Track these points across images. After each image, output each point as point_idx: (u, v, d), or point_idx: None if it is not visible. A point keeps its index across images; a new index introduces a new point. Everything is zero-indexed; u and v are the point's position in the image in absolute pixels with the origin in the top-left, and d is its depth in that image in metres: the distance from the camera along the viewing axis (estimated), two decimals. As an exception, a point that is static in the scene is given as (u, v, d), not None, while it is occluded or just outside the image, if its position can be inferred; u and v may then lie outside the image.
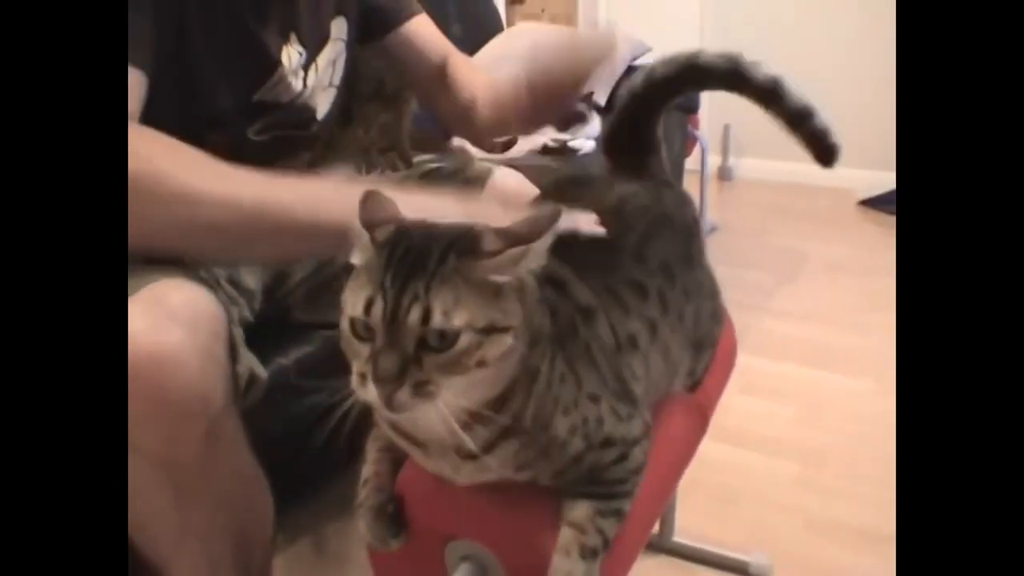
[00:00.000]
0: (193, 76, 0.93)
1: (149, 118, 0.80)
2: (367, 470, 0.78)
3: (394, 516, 0.76)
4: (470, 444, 0.63)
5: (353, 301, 0.59)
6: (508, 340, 0.60)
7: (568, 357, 0.69)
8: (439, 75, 1.14)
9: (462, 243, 0.60)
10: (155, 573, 0.82)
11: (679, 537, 1.39)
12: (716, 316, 0.96)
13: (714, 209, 3.08)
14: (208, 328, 0.76)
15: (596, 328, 0.73)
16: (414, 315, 0.56)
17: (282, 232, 0.78)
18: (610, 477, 0.72)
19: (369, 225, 0.63)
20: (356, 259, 0.63)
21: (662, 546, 1.39)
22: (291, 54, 1.00)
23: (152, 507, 0.77)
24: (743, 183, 3.64)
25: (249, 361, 0.83)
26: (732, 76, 0.86)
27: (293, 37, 1.00)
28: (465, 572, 0.74)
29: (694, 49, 0.88)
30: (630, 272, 0.80)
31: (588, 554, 0.70)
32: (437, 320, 0.56)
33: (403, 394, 0.57)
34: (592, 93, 2.25)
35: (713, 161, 3.60)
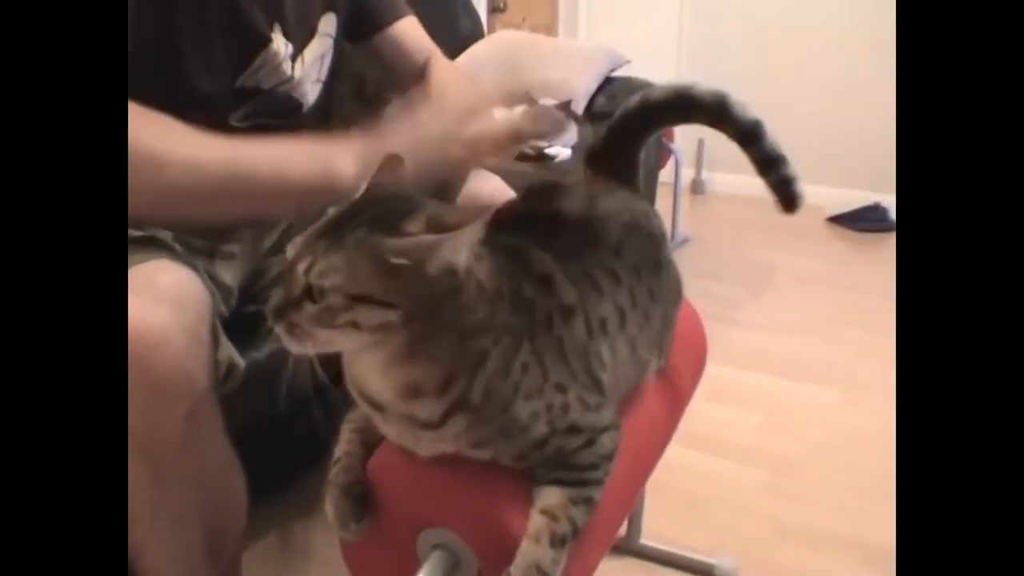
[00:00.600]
0: (177, 56, 0.93)
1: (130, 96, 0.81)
2: (339, 450, 0.79)
3: (360, 499, 0.77)
4: (423, 411, 0.68)
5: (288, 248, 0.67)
6: (389, 316, 0.63)
7: (537, 349, 0.71)
8: (421, 76, 1.15)
9: (387, 219, 0.65)
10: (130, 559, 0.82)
11: (646, 540, 1.40)
12: (670, 323, 0.97)
13: (687, 222, 3.11)
14: (194, 309, 0.78)
15: (573, 325, 0.75)
16: (301, 266, 0.63)
17: (251, 191, 0.81)
18: (579, 462, 0.74)
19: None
20: None
21: (629, 548, 1.40)
22: (277, 41, 1.01)
23: (129, 486, 0.77)
24: (715, 197, 3.68)
25: (228, 349, 0.83)
26: (718, 112, 0.90)
27: (277, 27, 1.01)
28: (437, 560, 0.74)
29: (688, 82, 0.92)
30: (606, 260, 0.82)
31: (558, 542, 0.71)
32: (313, 275, 0.62)
33: (280, 328, 0.64)
34: (570, 102, 2.28)
35: (686, 174, 3.65)
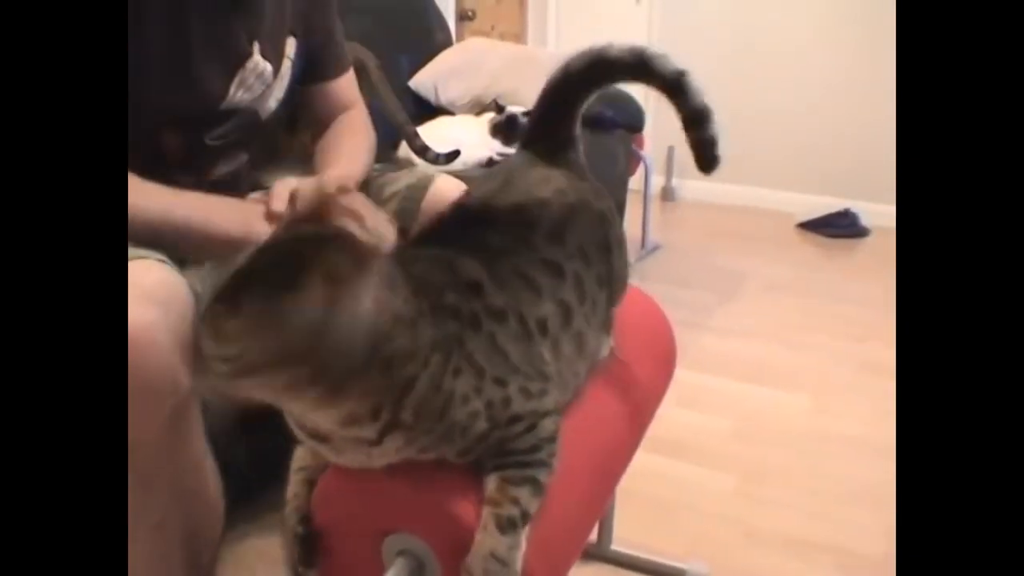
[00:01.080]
0: (164, 78, 0.97)
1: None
2: (288, 493, 0.79)
3: (309, 540, 0.78)
4: (363, 432, 0.68)
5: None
6: (299, 374, 0.63)
7: (468, 352, 0.71)
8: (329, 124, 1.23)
9: (283, 276, 0.62)
10: None
11: (617, 546, 1.39)
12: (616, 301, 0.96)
13: (657, 229, 3.12)
14: (179, 310, 0.78)
15: (506, 324, 0.75)
16: (207, 333, 0.63)
17: (182, 238, 0.91)
18: (519, 447, 0.73)
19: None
20: None
21: (600, 555, 1.39)
22: (256, 57, 1.05)
23: None
24: (686, 204, 3.71)
25: None
26: (639, 68, 0.88)
27: (255, 45, 1.05)
28: (401, 566, 0.72)
29: (604, 44, 0.90)
30: (545, 252, 0.81)
31: (506, 525, 0.70)
32: (210, 347, 0.63)
33: (208, 383, 0.65)
34: (539, 108, 2.27)
35: (657, 182, 3.67)
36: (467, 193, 0.94)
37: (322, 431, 0.70)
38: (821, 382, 2.07)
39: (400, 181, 1.22)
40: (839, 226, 3.20)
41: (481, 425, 0.71)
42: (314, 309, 0.60)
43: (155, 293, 0.77)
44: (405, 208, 1.16)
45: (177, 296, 0.80)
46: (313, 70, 1.20)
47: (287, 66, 1.14)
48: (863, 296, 2.57)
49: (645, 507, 1.51)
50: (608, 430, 0.91)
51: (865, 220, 3.25)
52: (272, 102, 1.13)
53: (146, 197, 0.88)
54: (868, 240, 3.20)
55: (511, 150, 2.12)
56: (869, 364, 2.13)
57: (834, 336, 2.32)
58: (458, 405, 0.69)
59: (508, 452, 0.73)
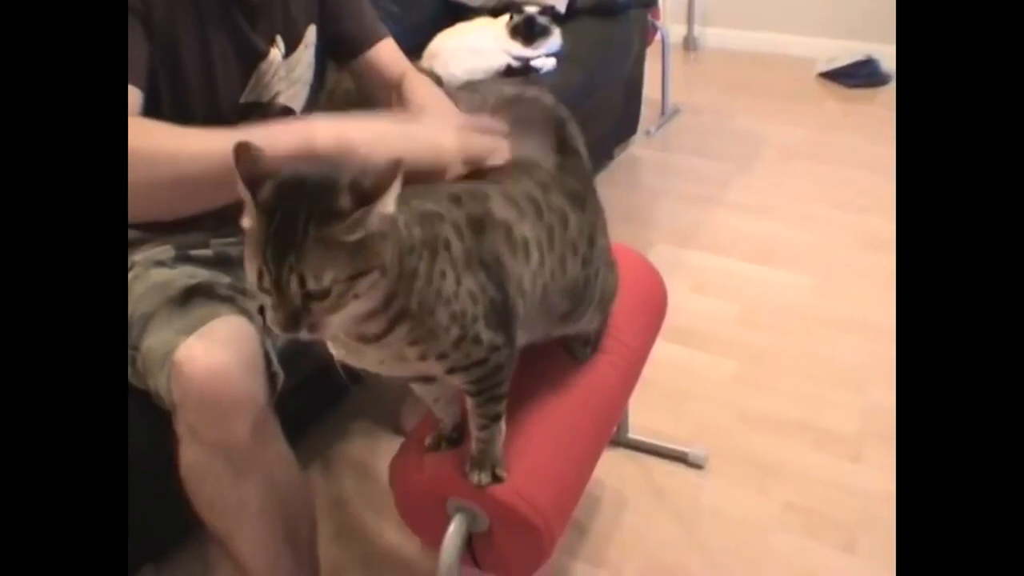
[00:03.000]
0: (185, 80, 1.09)
1: (154, 115, 0.98)
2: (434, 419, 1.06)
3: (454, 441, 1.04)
4: (369, 330, 0.82)
5: (249, 270, 0.75)
6: (375, 276, 0.75)
7: (453, 257, 0.84)
8: (396, 92, 1.28)
9: (320, 209, 0.72)
10: (225, 546, 1.09)
11: (633, 433, 1.65)
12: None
13: (677, 86, 3.15)
14: (248, 348, 1.00)
15: (485, 238, 0.88)
16: (293, 283, 0.72)
17: None
18: (478, 376, 0.91)
19: (250, 182, 0.75)
20: (245, 223, 0.76)
21: (619, 441, 1.65)
22: (274, 56, 1.17)
23: (216, 488, 1.02)
24: (708, 53, 3.71)
25: (275, 366, 1.05)
26: None
27: (273, 42, 1.16)
28: (460, 520, 0.99)
29: None
30: (531, 190, 0.96)
31: (480, 427, 0.95)
32: (310, 283, 0.72)
33: (303, 335, 0.74)
34: (553, 7, 2.33)
35: (678, 31, 3.67)
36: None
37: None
38: (823, 261, 2.22)
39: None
40: (859, 76, 3.22)
41: (455, 331, 0.85)
42: (360, 223, 0.72)
43: (229, 338, 0.98)
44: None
45: (246, 337, 1.00)
46: (348, 47, 1.29)
47: (310, 54, 1.23)
48: (875, 160, 2.64)
49: (657, 395, 1.73)
50: (603, 391, 1.13)
51: (886, 66, 3.25)
52: (301, 89, 1.23)
53: (207, 139, 0.93)
54: (888, 88, 3.23)
55: (530, 52, 2.20)
56: (872, 240, 2.28)
57: (842, 207, 2.44)
58: (442, 306, 0.83)
59: (472, 381, 0.91)
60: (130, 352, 1.03)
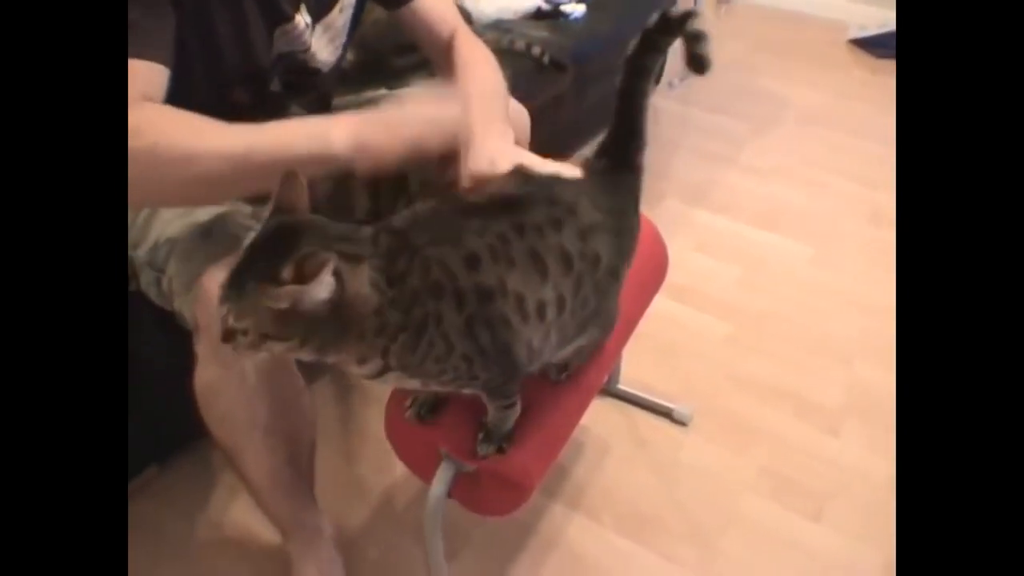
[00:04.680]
0: (219, 41, 1.09)
1: (187, 78, 1.00)
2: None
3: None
4: (362, 373, 0.86)
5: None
6: (292, 344, 0.78)
7: (444, 330, 0.84)
8: (447, 48, 1.26)
9: (266, 268, 0.75)
10: (230, 459, 1.15)
11: (623, 384, 1.71)
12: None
13: (707, 41, 3.12)
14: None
15: (491, 305, 0.85)
16: (224, 309, 0.77)
17: (265, 170, 0.91)
18: (485, 389, 0.94)
19: (276, 209, 0.81)
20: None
21: (608, 391, 1.71)
22: (299, 21, 1.16)
23: (229, 406, 1.08)
24: (741, 7, 3.65)
25: None
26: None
27: (302, 6, 1.15)
28: (448, 464, 1.05)
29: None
30: (565, 242, 0.90)
31: (495, 410, 0.98)
32: (231, 319, 0.77)
33: (233, 348, 0.79)
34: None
35: (715, -18, 3.61)
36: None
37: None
38: (829, 232, 2.25)
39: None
40: (889, 46, 3.19)
41: (449, 377, 0.88)
42: (286, 298, 0.74)
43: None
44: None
45: None
46: None
47: (346, 16, 1.23)
48: (893, 135, 2.64)
49: (651, 349, 1.79)
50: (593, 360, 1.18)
51: (919, 38, 3.21)
52: (330, 52, 1.23)
53: (225, 139, 0.93)
54: (917, 61, 3.19)
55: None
56: (879, 216, 2.30)
57: (854, 179, 2.46)
58: (430, 363, 0.85)
59: (481, 391, 0.94)
60: (155, 273, 1.08)
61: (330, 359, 0.82)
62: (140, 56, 0.94)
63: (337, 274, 0.75)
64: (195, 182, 0.93)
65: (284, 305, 0.75)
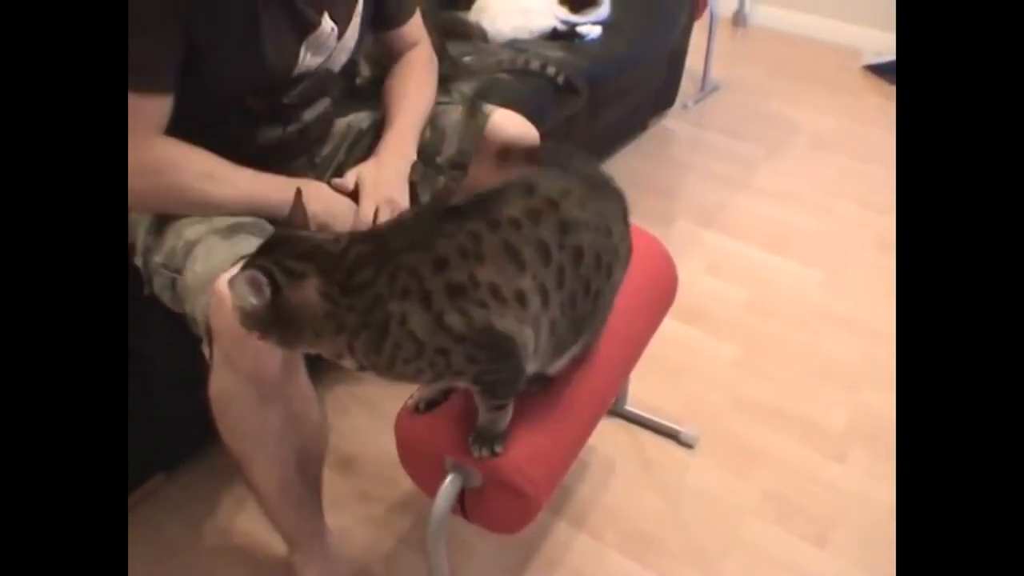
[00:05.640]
0: (241, 51, 1.13)
1: (203, 87, 1.11)
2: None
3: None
4: (350, 367, 0.93)
5: None
6: (258, 334, 0.91)
7: (408, 329, 0.87)
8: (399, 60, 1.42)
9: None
10: (240, 467, 1.16)
11: (630, 405, 1.71)
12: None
13: (721, 61, 3.14)
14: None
15: (461, 300, 0.88)
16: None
17: (263, 212, 1.16)
18: (485, 380, 0.95)
19: (286, 221, 0.97)
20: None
21: (616, 411, 1.72)
22: (325, 26, 1.20)
23: (241, 414, 1.09)
24: (756, 31, 3.68)
25: None
26: None
27: (326, 14, 1.20)
28: (455, 476, 1.07)
29: None
30: (543, 234, 0.91)
31: (487, 409, 1.00)
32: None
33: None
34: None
35: (729, 5, 3.63)
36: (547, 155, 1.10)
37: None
38: (838, 257, 2.25)
39: (451, 115, 1.41)
40: (903, 73, 3.19)
41: (428, 375, 0.91)
42: (234, 298, 0.87)
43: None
44: (464, 145, 1.37)
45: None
46: (383, 20, 1.37)
47: (356, 24, 1.28)
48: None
49: (658, 370, 1.79)
50: (605, 370, 1.19)
51: (933, 66, 3.22)
52: (344, 55, 1.28)
53: (231, 187, 1.14)
54: (931, 88, 3.20)
55: (578, 18, 2.21)
56: (887, 242, 2.30)
57: (863, 205, 2.46)
58: (400, 364, 0.89)
59: (479, 391, 0.97)
60: (170, 275, 1.10)
61: (304, 351, 0.97)
62: (150, 91, 1.05)
63: (275, 286, 0.86)
64: (203, 211, 1.14)
65: (238, 303, 0.88)
